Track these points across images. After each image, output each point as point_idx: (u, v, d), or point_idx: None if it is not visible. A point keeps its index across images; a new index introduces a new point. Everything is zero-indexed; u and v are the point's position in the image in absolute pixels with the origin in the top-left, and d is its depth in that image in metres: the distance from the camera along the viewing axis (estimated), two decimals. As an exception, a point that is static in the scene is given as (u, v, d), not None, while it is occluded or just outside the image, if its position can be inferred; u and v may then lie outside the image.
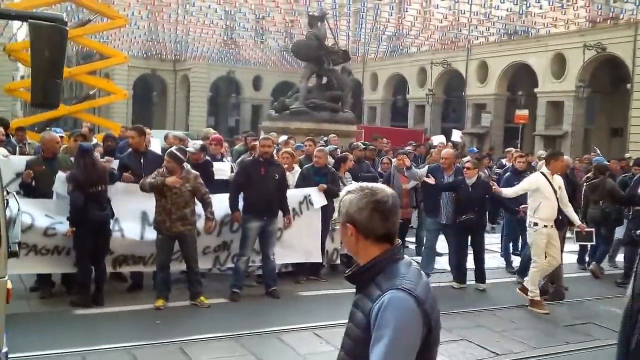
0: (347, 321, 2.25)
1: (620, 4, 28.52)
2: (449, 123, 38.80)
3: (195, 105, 50.56)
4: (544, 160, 8.81)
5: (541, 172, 8.46)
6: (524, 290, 8.36)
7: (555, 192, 8.23)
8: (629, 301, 3.36)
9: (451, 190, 9.43)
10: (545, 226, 8.19)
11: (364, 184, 2.29)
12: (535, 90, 34.50)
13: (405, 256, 2.29)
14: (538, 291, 8.30)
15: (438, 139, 17.52)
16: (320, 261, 9.14)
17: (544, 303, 8.29)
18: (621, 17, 29.42)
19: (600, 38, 30.64)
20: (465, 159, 11.26)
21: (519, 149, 17.23)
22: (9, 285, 3.57)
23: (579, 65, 31.71)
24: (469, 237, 9.35)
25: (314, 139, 11.81)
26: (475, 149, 21.53)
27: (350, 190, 2.26)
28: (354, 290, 2.28)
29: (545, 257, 8.28)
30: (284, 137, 12.88)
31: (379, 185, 2.27)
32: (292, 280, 9.06)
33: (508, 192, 9.00)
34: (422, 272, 2.29)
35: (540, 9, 29.80)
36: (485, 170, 14.27)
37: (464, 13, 34.02)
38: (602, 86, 32.95)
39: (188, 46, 41.67)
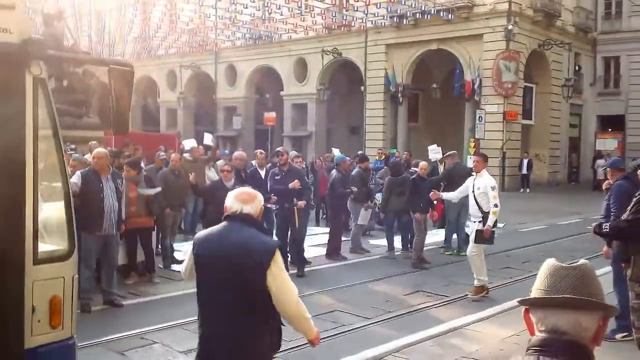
0: None
1: (352, 13, 31.11)
2: (201, 126, 38.92)
3: None
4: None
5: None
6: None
7: (473, 191, 9.07)
8: None
9: (209, 195, 9.53)
10: (474, 221, 9.16)
11: None
12: (282, 93, 36.16)
13: None
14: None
15: (189, 143, 17.44)
16: None
17: None
18: (353, 25, 32.10)
19: (337, 44, 33.13)
20: (220, 162, 11.39)
21: (263, 151, 17.73)
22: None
23: (319, 69, 33.93)
24: None
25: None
26: (226, 151, 21.86)
27: None
28: None
29: None
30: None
31: None
32: None
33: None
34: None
35: (281, 15, 31.28)
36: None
37: (210, 17, 34.37)
38: (341, 88, 35.68)
39: None
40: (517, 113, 28.94)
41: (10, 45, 3.60)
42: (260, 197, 3.74)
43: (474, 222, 9.19)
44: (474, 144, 27.89)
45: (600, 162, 27.04)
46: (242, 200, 3.59)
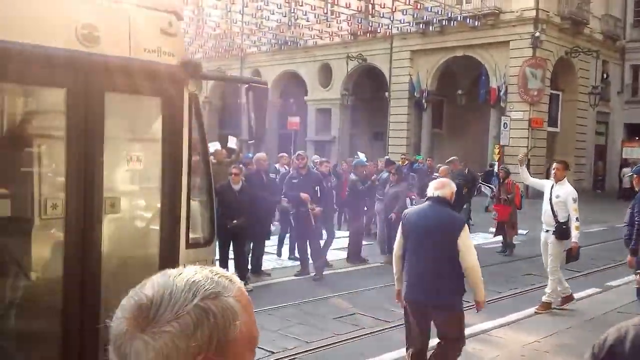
0: None
1: (378, 19, 31.13)
2: (226, 130, 39.16)
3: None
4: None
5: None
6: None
7: (551, 199, 8.48)
8: None
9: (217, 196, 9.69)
10: (547, 230, 8.61)
11: None
12: (305, 98, 36.27)
13: None
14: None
15: (213, 146, 17.57)
16: None
17: None
18: (379, 31, 32.12)
19: (362, 50, 33.17)
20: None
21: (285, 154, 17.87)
22: None
23: (344, 75, 33.98)
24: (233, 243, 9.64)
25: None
26: (250, 154, 21.99)
27: None
28: None
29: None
30: None
31: None
32: None
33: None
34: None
35: (307, 21, 31.41)
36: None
37: (237, 22, 34.65)
38: (364, 94, 35.68)
39: None
40: (542, 120, 28.70)
41: (173, 66, 4.33)
42: (452, 184, 5.48)
43: (547, 231, 8.64)
44: (498, 150, 27.71)
45: (626, 170, 26.68)
46: (435, 187, 5.32)
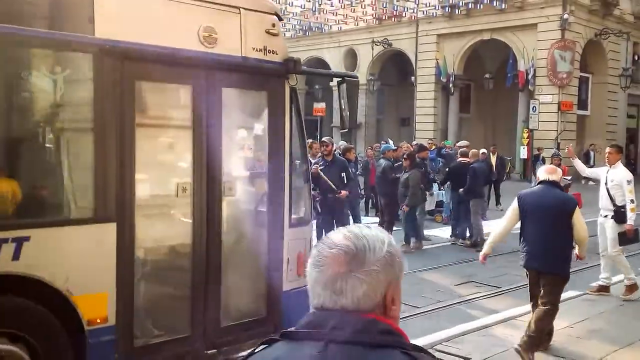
0: None
1: (403, 3, 30.83)
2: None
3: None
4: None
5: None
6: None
7: (606, 183, 8.41)
8: None
9: None
10: (605, 215, 8.48)
11: None
12: (331, 84, 36.07)
13: None
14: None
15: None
16: None
17: None
18: (404, 15, 31.82)
19: (387, 34, 32.90)
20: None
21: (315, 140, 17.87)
22: None
23: (369, 60, 33.77)
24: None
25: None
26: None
27: None
28: None
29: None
30: None
31: None
32: None
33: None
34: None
35: (332, 6, 31.24)
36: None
37: (261, 8, 34.58)
38: (390, 79, 35.44)
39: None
40: (572, 103, 28.22)
41: (276, 63, 4.95)
42: (559, 170, 6.37)
43: (605, 216, 8.48)
44: (527, 135, 27.37)
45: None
46: (548, 172, 6.14)
